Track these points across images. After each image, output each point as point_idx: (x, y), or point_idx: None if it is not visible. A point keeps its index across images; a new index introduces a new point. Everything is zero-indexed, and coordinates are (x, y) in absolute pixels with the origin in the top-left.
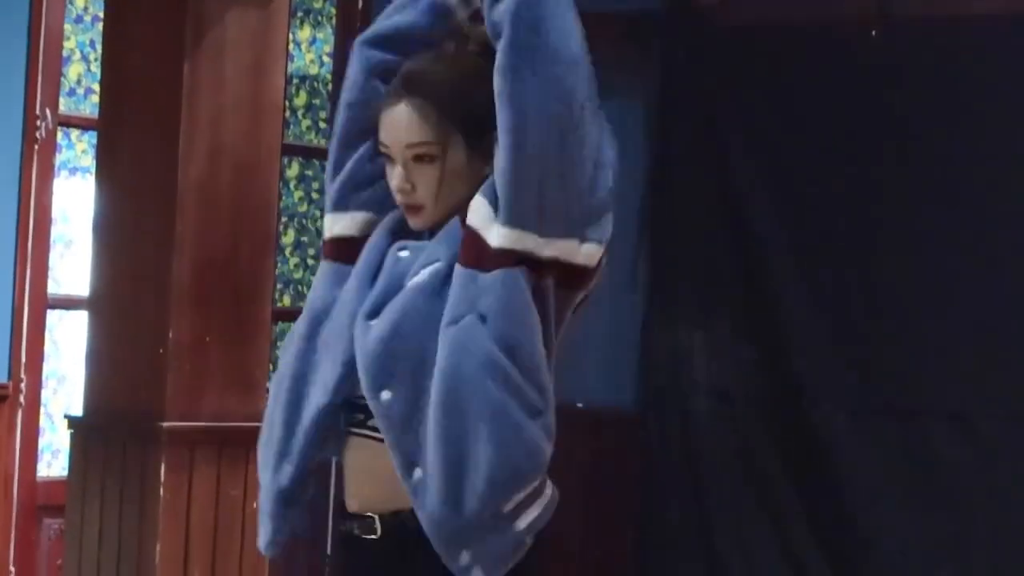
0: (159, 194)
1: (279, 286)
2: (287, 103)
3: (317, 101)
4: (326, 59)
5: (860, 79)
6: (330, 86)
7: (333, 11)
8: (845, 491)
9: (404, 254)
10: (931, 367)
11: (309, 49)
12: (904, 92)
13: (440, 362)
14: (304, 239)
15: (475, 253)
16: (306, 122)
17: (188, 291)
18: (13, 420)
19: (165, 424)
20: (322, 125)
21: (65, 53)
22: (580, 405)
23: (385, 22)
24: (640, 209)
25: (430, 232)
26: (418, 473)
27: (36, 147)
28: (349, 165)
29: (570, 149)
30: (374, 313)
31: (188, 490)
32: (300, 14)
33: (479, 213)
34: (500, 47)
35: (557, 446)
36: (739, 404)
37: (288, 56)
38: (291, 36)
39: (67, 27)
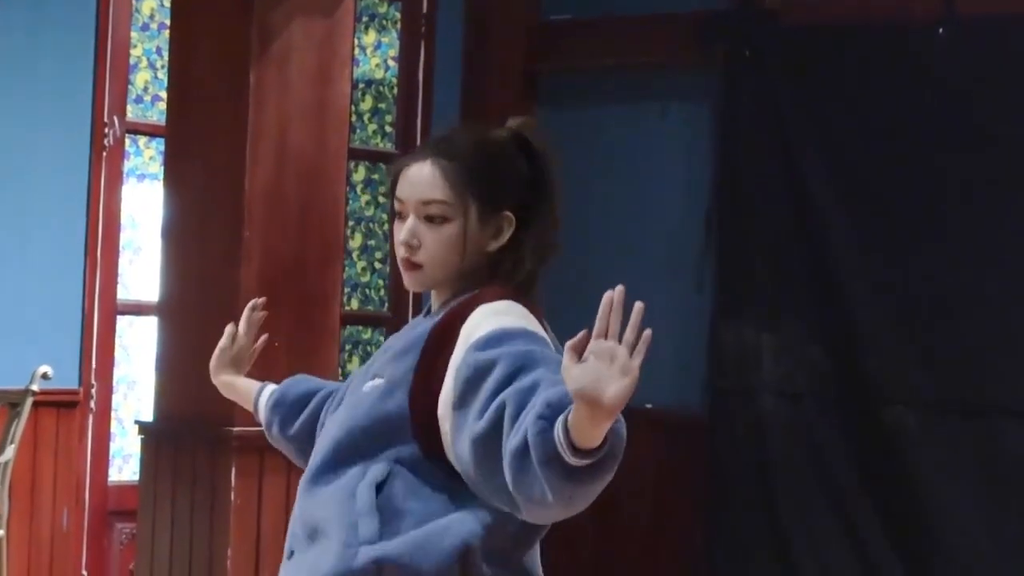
0: (226, 200)
1: (347, 290)
2: (353, 108)
3: (383, 105)
4: (391, 63)
5: (926, 76)
6: (395, 90)
7: (398, 15)
8: (916, 489)
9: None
10: (1001, 365)
11: (374, 53)
12: (970, 89)
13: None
14: (371, 243)
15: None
16: (372, 126)
17: (256, 296)
18: (84, 425)
19: (235, 429)
20: (388, 129)
21: (132, 61)
22: (649, 406)
23: None
24: (707, 210)
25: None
26: None
27: (104, 154)
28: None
29: None
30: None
31: (258, 495)
32: (365, 19)
33: (445, 401)
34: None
35: (626, 447)
36: (808, 404)
37: (353, 61)
38: (356, 41)
39: (133, 35)
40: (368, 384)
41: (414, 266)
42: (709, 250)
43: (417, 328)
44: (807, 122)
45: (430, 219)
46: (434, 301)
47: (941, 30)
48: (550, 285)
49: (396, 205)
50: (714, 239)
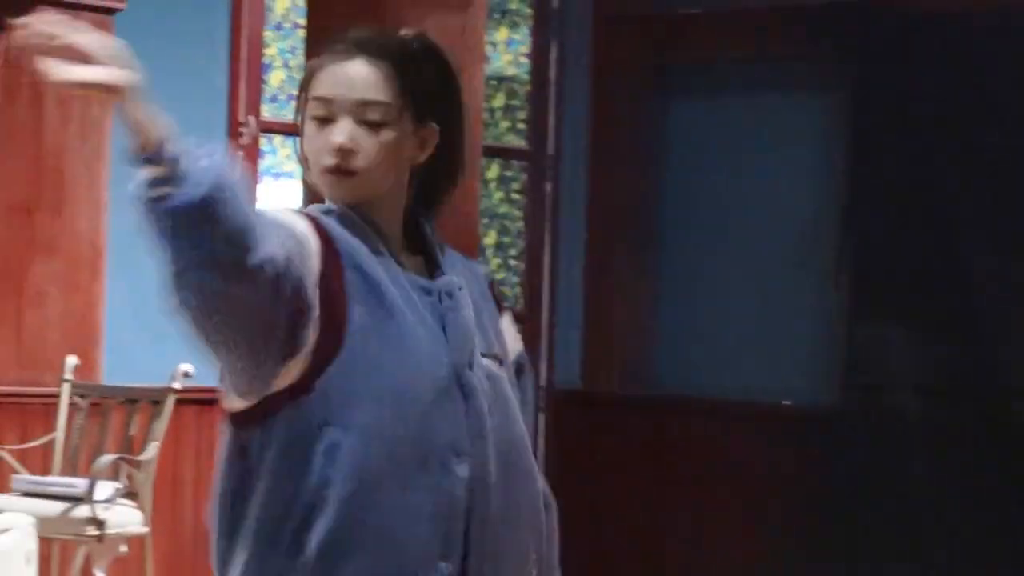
0: None
1: None
2: (485, 105)
3: (515, 102)
4: (523, 60)
5: None
6: (528, 87)
7: (529, 12)
8: None
9: (457, 295)
10: None
11: (506, 50)
12: None
13: None
14: (505, 240)
15: None
16: (505, 123)
17: None
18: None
19: None
20: (520, 126)
21: (266, 60)
22: (787, 403)
23: None
24: (841, 206)
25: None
26: None
27: (240, 153)
28: None
29: None
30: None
31: None
32: (496, 15)
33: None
34: None
35: (760, 444)
36: (944, 398)
37: (485, 58)
38: (488, 37)
39: (267, 34)
40: (498, 368)
41: (349, 173)
42: (845, 246)
43: (475, 296)
44: (939, 113)
45: (366, 123)
46: (394, 241)
47: None
48: (681, 277)
49: (318, 107)
50: (850, 235)
